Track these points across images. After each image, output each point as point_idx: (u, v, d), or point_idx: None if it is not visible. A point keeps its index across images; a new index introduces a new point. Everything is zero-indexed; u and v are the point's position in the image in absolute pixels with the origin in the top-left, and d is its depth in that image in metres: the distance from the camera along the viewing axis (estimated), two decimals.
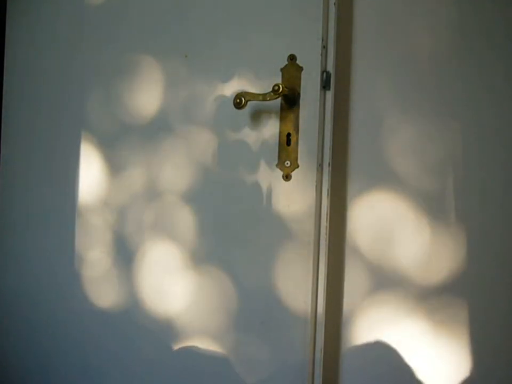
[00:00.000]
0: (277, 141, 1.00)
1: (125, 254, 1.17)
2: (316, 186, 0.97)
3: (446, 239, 0.98)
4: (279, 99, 0.98)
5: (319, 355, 0.98)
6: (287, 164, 0.99)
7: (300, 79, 0.97)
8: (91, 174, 1.21)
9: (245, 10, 1.04)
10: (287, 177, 0.99)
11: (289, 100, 0.98)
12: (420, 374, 0.99)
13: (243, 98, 0.96)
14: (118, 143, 1.18)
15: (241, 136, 1.03)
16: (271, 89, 0.95)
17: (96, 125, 1.21)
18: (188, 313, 1.09)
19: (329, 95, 0.98)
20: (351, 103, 1.05)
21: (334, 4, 0.97)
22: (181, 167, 1.10)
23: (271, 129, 1.00)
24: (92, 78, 1.22)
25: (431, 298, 0.99)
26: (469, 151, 0.97)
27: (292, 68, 0.98)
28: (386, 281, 1.01)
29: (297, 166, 0.98)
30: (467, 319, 0.96)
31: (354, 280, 1.04)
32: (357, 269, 1.04)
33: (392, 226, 1.02)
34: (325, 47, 0.97)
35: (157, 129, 1.13)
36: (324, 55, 0.97)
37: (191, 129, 1.09)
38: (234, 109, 0.98)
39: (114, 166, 1.19)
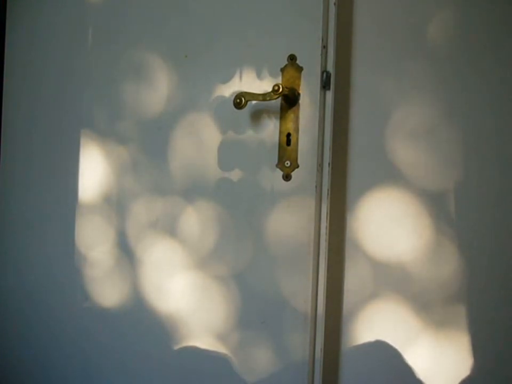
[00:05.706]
0: (277, 141, 1.00)
1: (125, 253, 1.17)
2: (315, 186, 0.97)
3: (447, 239, 0.98)
4: (279, 99, 0.98)
5: (319, 355, 0.98)
6: (287, 163, 0.99)
7: (300, 79, 0.98)
8: (91, 173, 1.21)
9: (245, 10, 1.04)
10: (287, 177, 0.99)
11: (289, 100, 0.98)
12: (419, 374, 0.99)
13: (243, 98, 0.96)
14: (118, 142, 1.18)
15: (241, 136, 1.03)
16: (271, 89, 0.95)
17: (96, 124, 1.21)
18: (188, 312, 1.09)
19: (329, 95, 0.98)
20: (351, 103, 1.05)
21: (334, 3, 0.97)
22: (181, 166, 1.10)
23: (271, 129, 1.00)
24: (91, 77, 1.22)
25: (431, 298, 0.99)
26: (470, 151, 0.97)
27: (292, 68, 0.98)
28: (386, 281, 1.02)
29: (297, 166, 0.98)
30: (467, 319, 0.96)
31: (354, 280, 1.04)
32: (357, 269, 1.04)
33: (392, 226, 1.02)
34: (325, 47, 0.97)
35: (157, 129, 1.13)
36: (324, 55, 0.97)
37: (190, 129, 1.09)
38: (234, 109, 0.98)
39: (114, 165, 1.19)
